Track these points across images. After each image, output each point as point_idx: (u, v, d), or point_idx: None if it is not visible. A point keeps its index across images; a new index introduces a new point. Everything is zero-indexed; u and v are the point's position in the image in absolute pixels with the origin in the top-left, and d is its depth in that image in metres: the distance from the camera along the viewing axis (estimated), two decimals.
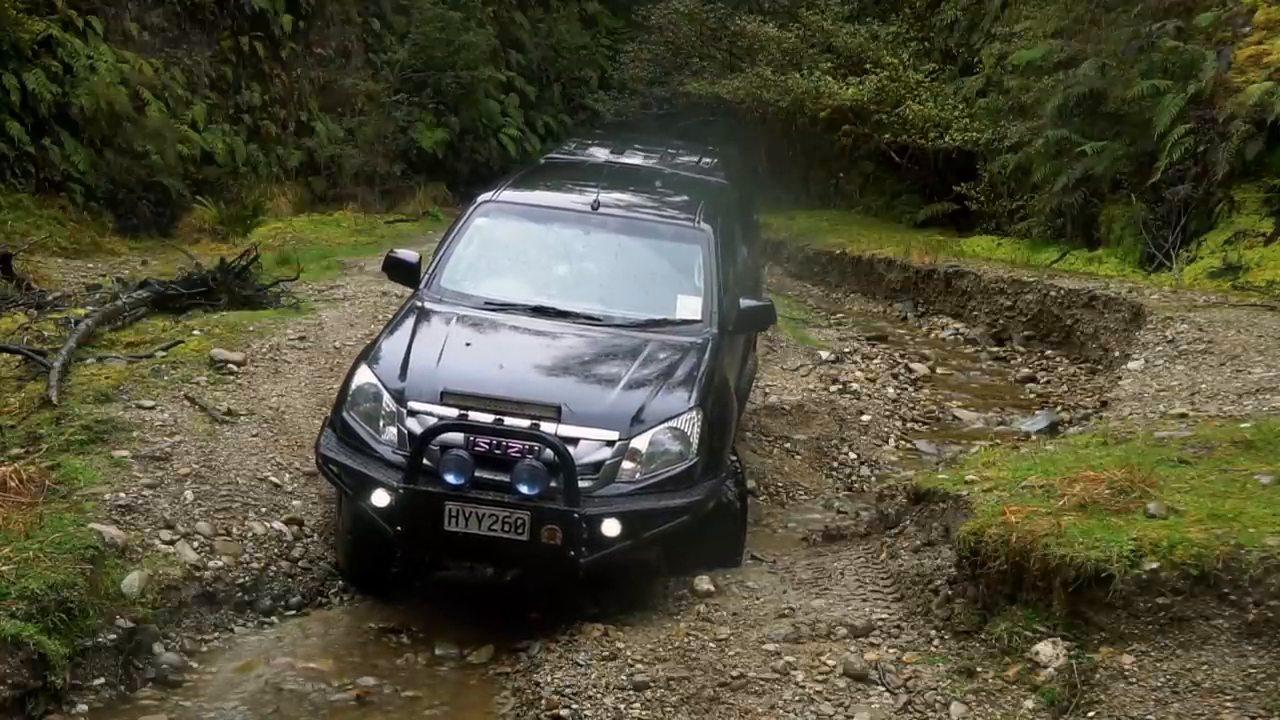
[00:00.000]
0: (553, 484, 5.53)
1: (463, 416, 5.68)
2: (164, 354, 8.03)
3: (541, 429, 5.62)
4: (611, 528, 5.56)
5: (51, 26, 14.29)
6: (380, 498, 5.60)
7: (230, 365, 7.99)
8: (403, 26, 20.06)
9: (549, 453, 5.54)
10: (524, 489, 5.49)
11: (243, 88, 17.11)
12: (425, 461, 5.57)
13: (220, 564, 5.96)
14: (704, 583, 6.09)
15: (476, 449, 5.60)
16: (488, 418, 5.66)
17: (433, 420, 5.69)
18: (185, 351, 8.14)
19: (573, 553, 5.53)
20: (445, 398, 5.75)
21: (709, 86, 18.99)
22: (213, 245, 14.13)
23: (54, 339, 8.19)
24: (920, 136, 16.74)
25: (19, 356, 7.75)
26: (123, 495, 6.05)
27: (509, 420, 5.66)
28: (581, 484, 5.57)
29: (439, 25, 19.47)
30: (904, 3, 18.90)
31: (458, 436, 5.63)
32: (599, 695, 4.93)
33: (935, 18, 18.53)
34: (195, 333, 8.62)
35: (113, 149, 14.69)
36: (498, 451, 5.60)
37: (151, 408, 7.11)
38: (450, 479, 5.51)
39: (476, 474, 5.54)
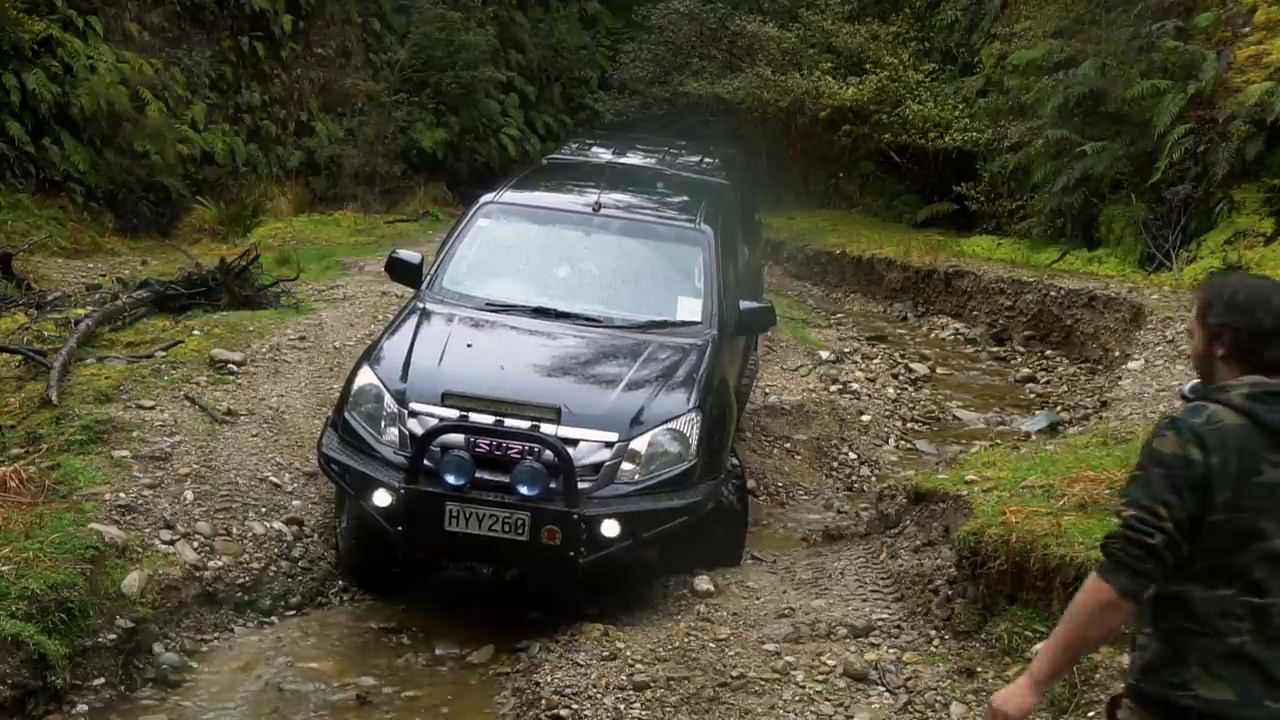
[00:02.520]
0: (552, 485, 5.55)
1: (463, 418, 5.69)
2: (164, 354, 8.02)
3: (541, 430, 5.64)
4: (610, 528, 5.57)
5: (51, 26, 14.28)
6: (382, 498, 5.61)
7: (230, 365, 7.99)
8: (403, 26, 20.04)
9: (549, 454, 5.56)
10: (524, 490, 5.51)
11: (243, 88, 17.09)
12: (426, 462, 5.59)
13: (220, 564, 5.96)
14: (704, 583, 6.10)
15: (477, 450, 5.61)
16: (488, 419, 5.68)
17: (434, 421, 5.71)
18: (185, 351, 8.14)
19: (572, 553, 5.54)
20: (446, 399, 5.77)
21: (709, 86, 18.97)
22: (213, 245, 14.13)
23: (54, 339, 8.19)
24: (920, 136, 16.73)
25: (19, 356, 7.76)
26: (123, 495, 6.05)
27: (509, 421, 5.67)
28: (581, 485, 5.59)
29: (439, 25, 19.44)
30: (904, 3, 18.88)
31: (458, 437, 5.65)
32: (599, 695, 4.94)
33: (935, 18, 18.51)
34: (195, 333, 8.62)
35: (113, 149, 14.67)
36: (498, 452, 5.62)
37: (151, 408, 7.11)
38: (451, 479, 5.53)
39: (477, 475, 5.56)
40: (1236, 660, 2.62)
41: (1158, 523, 2.61)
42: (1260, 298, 2.78)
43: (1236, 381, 2.73)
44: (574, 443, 5.66)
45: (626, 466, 5.73)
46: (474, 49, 19.71)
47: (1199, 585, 2.64)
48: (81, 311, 8.80)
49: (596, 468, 5.69)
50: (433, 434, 5.62)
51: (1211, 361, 2.83)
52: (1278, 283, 2.88)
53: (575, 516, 5.51)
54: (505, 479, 5.56)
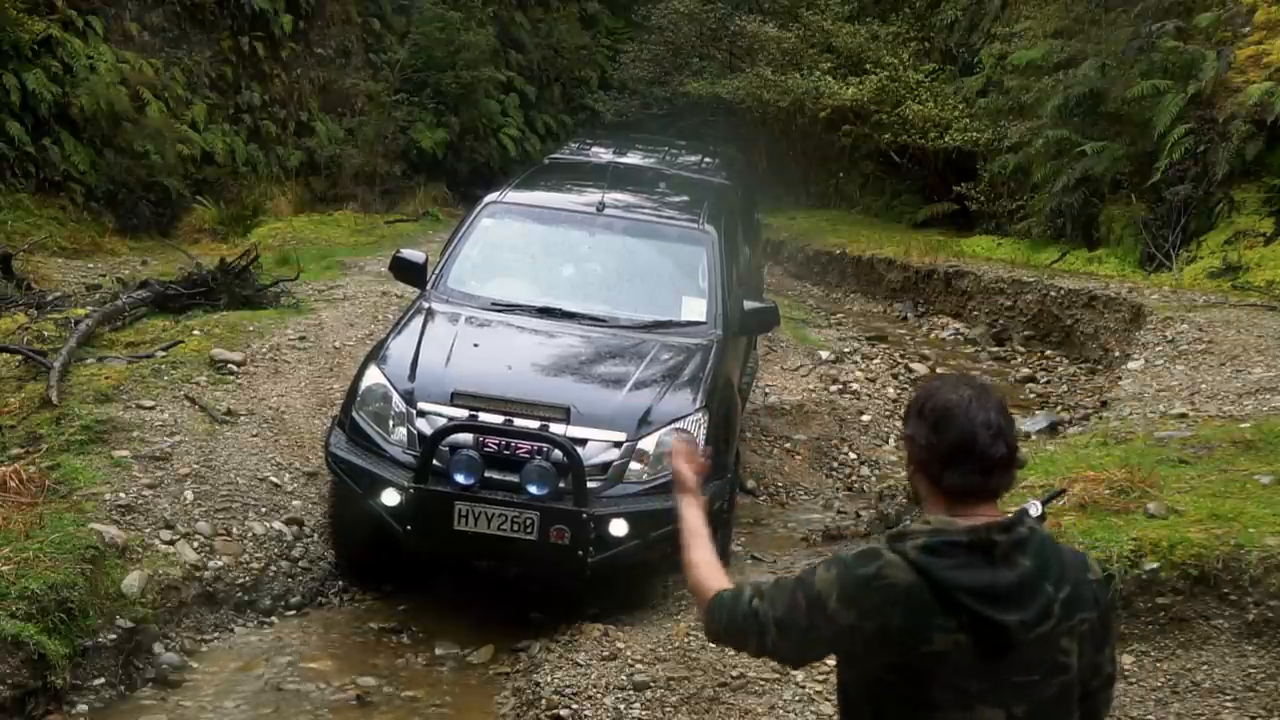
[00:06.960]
0: (561, 484, 5.56)
1: (472, 417, 5.70)
2: (164, 354, 8.02)
3: (551, 430, 5.64)
4: (619, 528, 5.58)
5: (51, 26, 14.26)
6: (390, 497, 5.62)
7: (230, 365, 7.98)
8: (403, 26, 20.02)
9: (558, 453, 5.56)
10: (533, 489, 5.52)
11: (243, 88, 17.08)
12: (435, 462, 5.59)
13: (220, 564, 5.96)
14: None
15: (486, 449, 5.62)
16: (497, 418, 5.68)
17: (442, 421, 5.71)
18: (185, 351, 8.13)
19: (580, 552, 5.55)
20: (455, 398, 5.77)
21: (709, 86, 18.97)
22: (213, 245, 14.11)
23: (54, 339, 8.18)
24: (920, 136, 16.72)
25: (19, 356, 7.75)
26: (123, 495, 6.05)
27: (518, 421, 5.68)
28: (589, 484, 5.59)
29: (439, 25, 19.42)
30: (904, 3, 18.89)
31: (467, 437, 5.65)
32: (599, 695, 4.93)
33: (935, 18, 18.51)
34: (195, 333, 8.61)
35: (113, 149, 14.66)
36: (507, 452, 5.62)
37: (151, 408, 7.10)
38: (460, 479, 5.53)
39: (486, 474, 5.56)
40: None
41: (760, 637, 2.46)
42: (947, 409, 2.35)
43: (920, 526, 2.36)
44: (583, 442, 5.67)
45: (635, 466, 5.74)
46: (474, 49, 19.69)
47: None
48: (81, 311, 8.79)
49: (605, 467, 5.70)
50: (442, 433, 5.62)
51: (911, 478, 2.49)
52: (981, 391, 2.39)
53: (584, 516, 5.52)
54: (514, 478, 5.56)
